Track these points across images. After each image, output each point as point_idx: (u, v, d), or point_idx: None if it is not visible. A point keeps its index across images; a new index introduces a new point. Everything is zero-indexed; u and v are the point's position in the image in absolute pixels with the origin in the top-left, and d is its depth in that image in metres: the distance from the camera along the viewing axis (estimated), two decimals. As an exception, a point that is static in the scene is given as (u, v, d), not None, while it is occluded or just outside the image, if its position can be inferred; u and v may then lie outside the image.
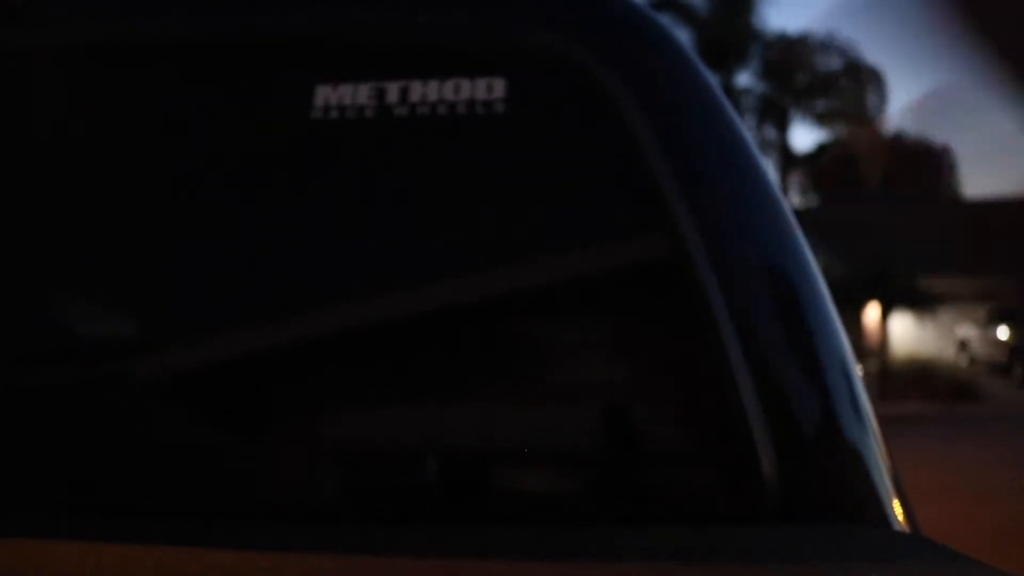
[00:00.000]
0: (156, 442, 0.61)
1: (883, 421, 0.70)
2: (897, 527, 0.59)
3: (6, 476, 0.61)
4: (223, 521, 0.56)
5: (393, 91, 0.65)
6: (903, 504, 0.63)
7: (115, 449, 0.61)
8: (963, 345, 16.70)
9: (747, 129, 0.70)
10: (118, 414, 0.61)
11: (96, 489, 0.60)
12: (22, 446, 0.62)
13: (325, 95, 0.65)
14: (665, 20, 0.71)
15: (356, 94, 0.65)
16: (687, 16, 16.84)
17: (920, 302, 14.10)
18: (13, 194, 0.69)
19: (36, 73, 0.72)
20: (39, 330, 0.66)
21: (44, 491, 0.61)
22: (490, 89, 0.64)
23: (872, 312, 14.51)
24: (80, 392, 0.62)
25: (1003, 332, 14.72)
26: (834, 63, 18.63)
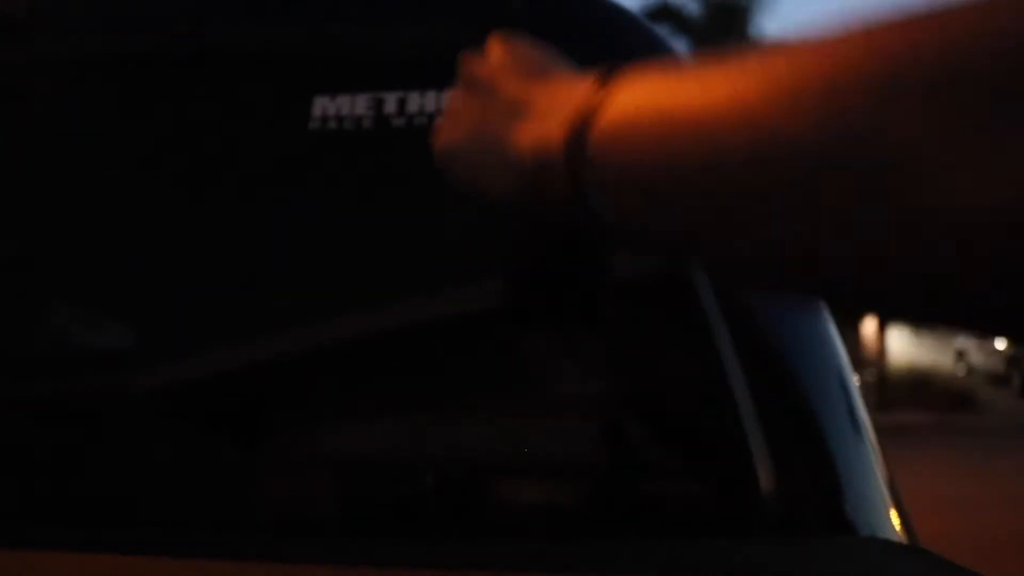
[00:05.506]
0: (149, 452, 0.60)
1: (881, 431, 0.70)
2: (895, 538, 0.59)
3: None
4: (217, 532, 0.56)
5: (391, 102, 0.65)
6: (901, 515, 0.63)
7: (107, 459, 0.60)
8: (961, 355, 16.73)
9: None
10: (111, 424, 0.61)
11: (89, 499, 0.60)
12: (15, 455, 0.62)
13: (323, 106, 0.65)
14: (662, 30, 0.71)
15: (354, 105, 0.65)
16: (684, 26, 16.94)
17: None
18: (13, 202, 0.69)
19: (37, 86, 0.72)
20: (33, 340, 0.65)
21: (35, 501, 0.60)
22: None
23: (870, 322, 14.53)
24: (74, 402, 0.62)
25: (1001, 342, 14.73)
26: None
